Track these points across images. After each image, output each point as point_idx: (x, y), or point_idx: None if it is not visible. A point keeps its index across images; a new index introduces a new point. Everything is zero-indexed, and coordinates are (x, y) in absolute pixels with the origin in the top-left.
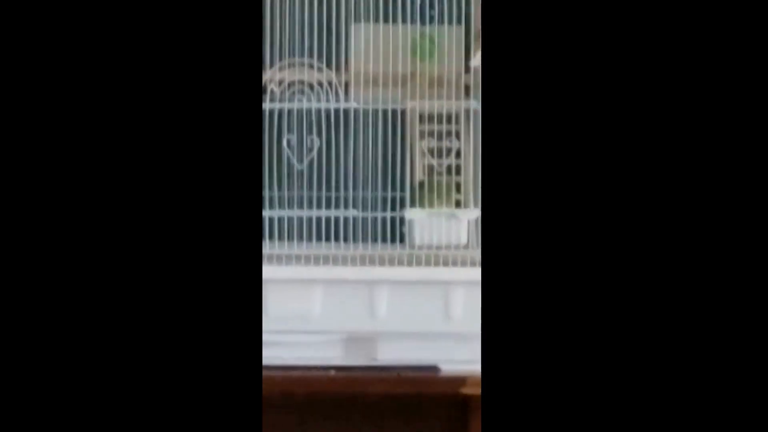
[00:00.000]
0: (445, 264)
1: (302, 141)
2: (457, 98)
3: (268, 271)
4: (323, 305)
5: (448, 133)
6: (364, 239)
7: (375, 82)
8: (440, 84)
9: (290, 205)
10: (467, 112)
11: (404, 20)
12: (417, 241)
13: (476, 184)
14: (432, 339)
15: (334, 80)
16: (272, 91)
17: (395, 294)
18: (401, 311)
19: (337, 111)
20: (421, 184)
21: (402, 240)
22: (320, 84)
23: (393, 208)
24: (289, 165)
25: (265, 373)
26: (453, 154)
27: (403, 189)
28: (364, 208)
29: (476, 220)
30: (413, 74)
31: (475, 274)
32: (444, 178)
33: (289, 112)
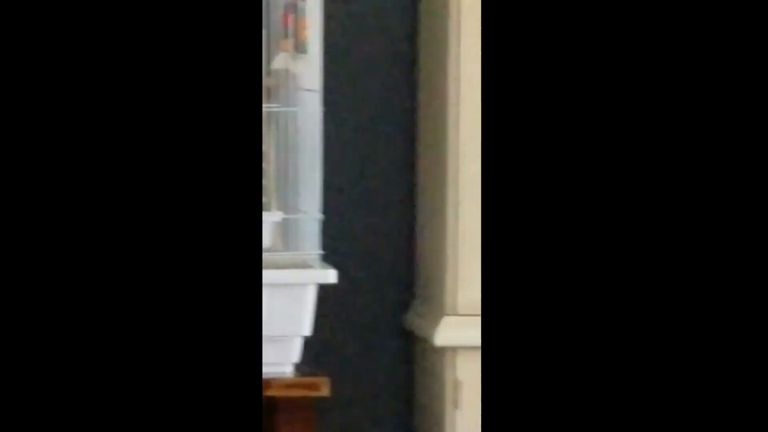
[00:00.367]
0: None
1: None
2: None
3: None
4: None
5: None
6: None
7: None
8: None
9: None
10: (268, 115)
11: None
12: None
13: (278, 187)
14: None
15: None
16: None
17: None
18: None
19: None
20: None
21: None
22: None
23: None
24: None
25: None
26: None
27: None
28: None
29: (278, 224)
30: None
31: (276, 276)
32: None
33: None
